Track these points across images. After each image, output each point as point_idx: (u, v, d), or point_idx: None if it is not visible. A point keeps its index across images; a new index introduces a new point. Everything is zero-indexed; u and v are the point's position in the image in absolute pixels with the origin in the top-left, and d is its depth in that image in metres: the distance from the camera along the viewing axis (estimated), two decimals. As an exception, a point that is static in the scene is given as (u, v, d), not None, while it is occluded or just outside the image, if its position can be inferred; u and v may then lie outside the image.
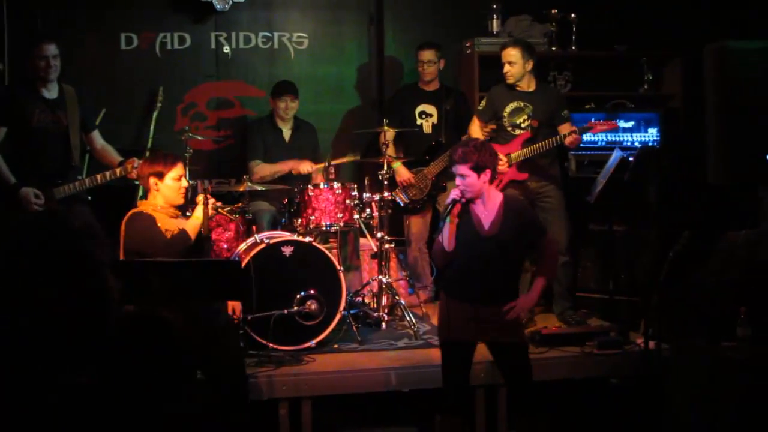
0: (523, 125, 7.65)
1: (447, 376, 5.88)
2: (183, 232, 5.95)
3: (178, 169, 6.05)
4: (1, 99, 7.14)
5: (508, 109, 7.71)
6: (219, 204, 6.70)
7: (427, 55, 8.46)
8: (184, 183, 6.10)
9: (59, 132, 7.06)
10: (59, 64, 7.06)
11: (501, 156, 7.51)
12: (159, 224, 5.93)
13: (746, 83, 6.23)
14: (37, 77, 7.00)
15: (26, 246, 2.63)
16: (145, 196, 6.41)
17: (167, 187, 6.01)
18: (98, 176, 7.09)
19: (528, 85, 7.72)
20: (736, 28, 7.87)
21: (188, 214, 6.33)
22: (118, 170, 7.05)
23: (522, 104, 7.67)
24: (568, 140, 7.43)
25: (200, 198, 6.23)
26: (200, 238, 6.17)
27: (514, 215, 5.73)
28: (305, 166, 8.06)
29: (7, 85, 8.14)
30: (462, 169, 5.62)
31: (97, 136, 7.39)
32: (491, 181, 5.72)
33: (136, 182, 8.01)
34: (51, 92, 7.08)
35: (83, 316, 2.66)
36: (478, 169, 5.62)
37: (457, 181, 5.67)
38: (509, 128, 7.70)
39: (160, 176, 5.99)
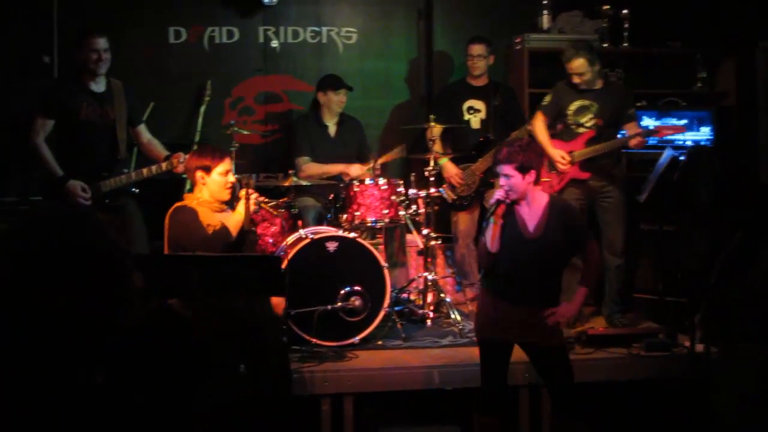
0: (587, 124, 7.56)
1: (485, 375, 5.82)
2: (224, 229, 5.94)
3: (225, 164, 6.03)
4: (49, 92, 7.11)
5: (572, 107, 7.62)
6: (262, 199, 6.63)
7: (477, 49, 8.38)
8: (231, 178, 6.08)
9: (106, 126, 7.06)
10: (109, 58, 7.07)
11: (563, 154, 7.45)
12: (201, 219, 5.92)
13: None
14: (86, 70, 7.00)
15: (37, 243, 2.59)
16: (192, 190, 6.41)
17: (214, 182, 6.00)
18: (144, 170, 7.10)
19: (595, 83, 7.62)
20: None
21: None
22: (164, 164, 7.05)
23: (587, 102, 7.58)
24: (632, 142, 7.35)
25: (243, 193, 6.21)
26: (242, 233, 6.17)
27: (559, 217, 5.63)
28: (355, 170, 7.99)
29: (56, 78, 8.16)
30: (507, 169, 5.54)
31: (143, 130, 7.40)
32: (536, 182, 5.63)
33: (183, 176, 8.04)
34: (99, 86, 7.08)
35: (97, 315, 2.63)
36: (522, 170, 5.53)
37: (502, 181, 5.58)
38: (573, 126, 7.62)
39: (208, 170, 5.98)
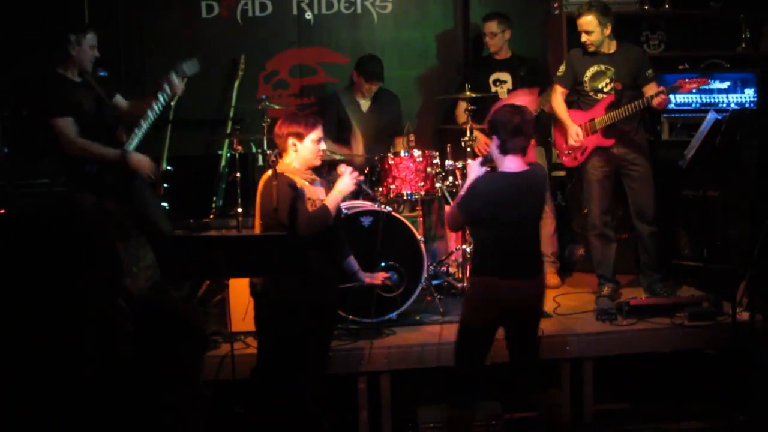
0: (605, 89, 7.40)
1: (469, 366, 5.77)
2: (324, 209, 5.79)
3: (318, 132, 5.88)
4: (50, 93, 6.76)
5: (588, 74, 7.46)
6: (361, 178, 6.35)
7: (491, 26, 8.32)
8: (323, 146, 5.96)
9: (93, 113, 6.82)
10: None
11: (578, 131, 7.32)
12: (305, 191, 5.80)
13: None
14: (77, 65, 6.78)
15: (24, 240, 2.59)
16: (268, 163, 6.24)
17: (306, 149, 5.84)
18: (149, 113, 6.83)
19: (608, 47, 7.44)
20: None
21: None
22: (161, 96, 6.83)
23: (603, 67, 7.41)
24: (655, 101, 7.15)
25: (342, 169, 6.05)
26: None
27: None
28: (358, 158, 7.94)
29: (44, 77, 7.01)
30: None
31: (120, 100, 7.08)
32: (501, 151, 5.56)
33: (219, 152, 8.02)
34: (75, 76, 6.85)
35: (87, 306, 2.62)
36: (490, 130, 5.65)
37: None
38: (591, 93, 7.46)
39: (300, 137, 5.85)
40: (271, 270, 5.42)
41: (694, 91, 7.75)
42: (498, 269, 5.55)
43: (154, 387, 2.80)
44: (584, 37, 7.40)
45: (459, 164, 7.58)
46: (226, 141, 8.39)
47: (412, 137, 7.72)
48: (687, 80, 7.17)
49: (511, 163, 5.54)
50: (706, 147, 7.38)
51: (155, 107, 6.83)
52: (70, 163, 6.70)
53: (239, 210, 7.52)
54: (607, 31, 7.36)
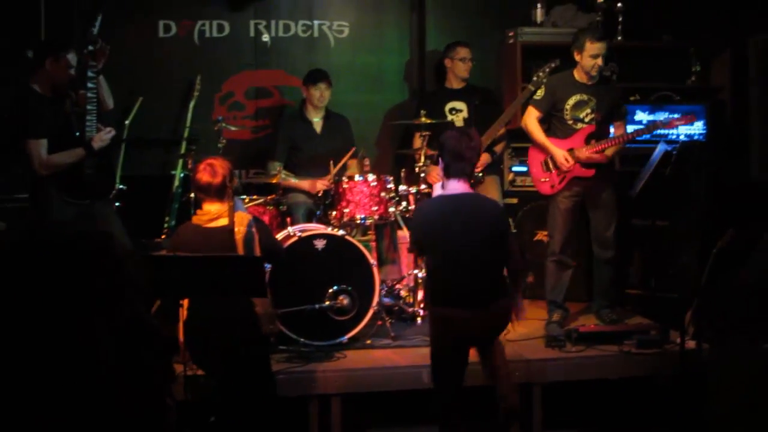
0: (586, 119, 7.43)
1: (444, 389, 5.80)
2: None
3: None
4: (29, 113, 6.78)
5: (571, 101, 7.46)
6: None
7: (464, 52, 8.39)
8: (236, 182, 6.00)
9: (69, 124, 6.87)
10: None
11: (566, 155, 7.35)
12: None
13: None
14: (53, 85, 6.83)
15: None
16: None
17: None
18: (89, 94, 6.81)
19: (595, 78, 7.46)
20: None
21: None
22: (89, 73, 6.82)
23: (586, 97, 7.43)
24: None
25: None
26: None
27: None
28: (321, 184, 7.86)
29: (19, 97, 7.02)
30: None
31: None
32: (446, 174, 5.64)
33: (173, 172, 8.02)
34: (48, 93, 6.86)
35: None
36: (439, 156, 5.70)
37: None
38: (570, 121, 7.47)
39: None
40: (227, 290, 5.42)
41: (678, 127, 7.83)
42: (446, 298, 5.58)
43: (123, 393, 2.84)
44: (595, 62, 7.33)
45: (413, 189, 7.62)
46: (180, 161, 8.35)
47: (366, 161, 7.75)
48: (675, 118, 7.30)
49: (455, 186, 5.59)
50: (656, 177, 7.47)
51: (89, 84, 6.80)
52: (36, 184, 6.75)
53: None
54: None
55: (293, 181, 7.97)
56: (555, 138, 7.50)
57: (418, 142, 7.92)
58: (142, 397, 2.91)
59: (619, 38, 8.99)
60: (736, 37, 8.53)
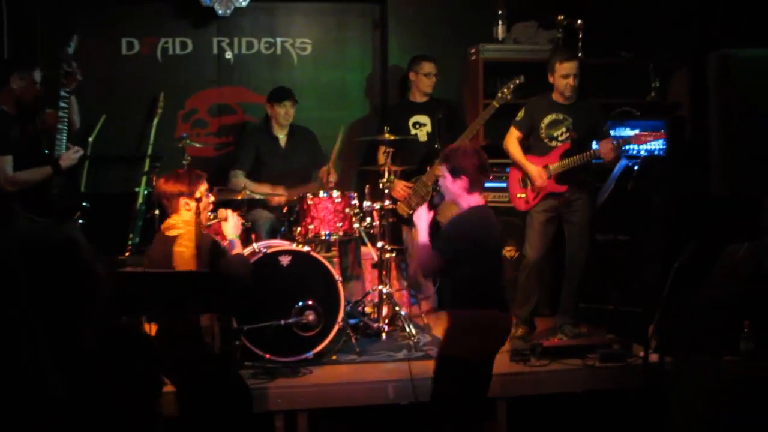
0: (561, 138, 7.53)
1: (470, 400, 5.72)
2: (240, 256, 5.80)
3: (205, 184, 5.90)
4: (3, 126, 6.82)
5: (546, 120, 7.57)
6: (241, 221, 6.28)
7: (430, 67, 8.49)
8: (212, 198, 5.96)
9: (38, 138, 6.92)
10: None
11: (541, 173, 7.43)
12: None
13: (749, 92, 6.16)
14: (19, 101, 6.83)
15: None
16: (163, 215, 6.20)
17: (204, 206, 5.85)
18: (60, 113, 6.86)
19: (572, 98, 7.58)
20: (742, 36, 7.79)
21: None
22: (62, 92, 6.87)
23: (561, 116, 7.54)
24: (602, 149, 7.33)
25: (223, 213, 6.04)
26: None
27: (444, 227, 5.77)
28: (278, 197, 7.98)
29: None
30: (442, 168, 5.64)
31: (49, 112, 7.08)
32: (469, 190, 5.61)
33: (137, 189, 8.01)
34: (13, 110, 6.87)
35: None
36: (454, 173, 5.58)
37: (440, 182, 5.68)
38: (546, 140, 7.58)
39: (190, 195, 5.82)
40: (193, 307, 5.42)
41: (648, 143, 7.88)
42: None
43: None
44: (567, 82, 7.46)
45: (377, 205, 7.65)
46: (144, 178, 8.34)
47: (331, 177, 7.79)
48: (643, 133, 7.37)
49: (478, 198, 5.66)
50: (617, 192, 7.56)
51: (61, 104, 6.84)
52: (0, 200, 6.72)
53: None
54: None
55: (253, 186, 8.01)
56: (532, 156, 7.62)
57: (382, 158, 7.96)
58: (133, 406, 2.92)
59: (580, 54, 9.04)
60: (694, 53, 8.63)
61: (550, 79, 7.56)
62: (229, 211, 5.93)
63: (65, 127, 6.84)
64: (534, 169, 7.52)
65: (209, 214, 6.07)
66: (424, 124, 8.51)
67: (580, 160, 7.39)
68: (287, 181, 8.09)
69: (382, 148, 7.91)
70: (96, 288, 2.83)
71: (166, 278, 5.53)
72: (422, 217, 5.69)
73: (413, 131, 8.47)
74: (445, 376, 5.63)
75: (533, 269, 7.58)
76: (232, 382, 5.92)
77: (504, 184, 8.00)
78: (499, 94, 7.80)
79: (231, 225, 5.87)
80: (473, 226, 5.64)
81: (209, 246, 5.72)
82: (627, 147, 7.62)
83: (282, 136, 8.32)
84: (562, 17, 9.06)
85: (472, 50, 9.03)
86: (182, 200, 5.76)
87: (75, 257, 2.81)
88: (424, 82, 8.49)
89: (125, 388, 2.87)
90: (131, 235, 8.28)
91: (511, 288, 7.62)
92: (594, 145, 7.54)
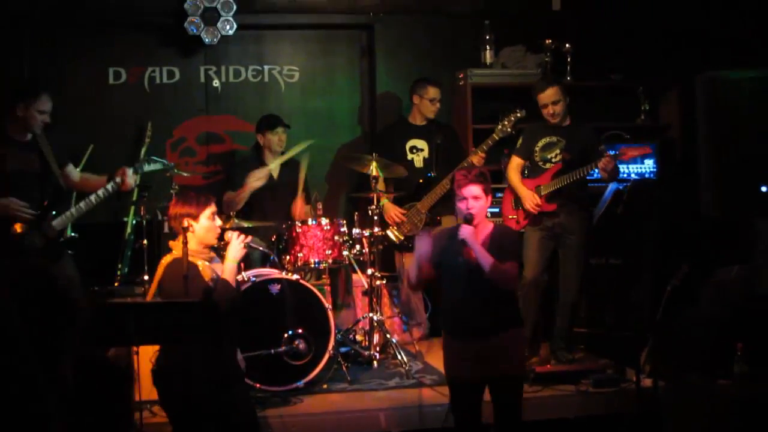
0: (554, 159, 7.51)
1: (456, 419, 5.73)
2: (224, 283, 5.71)
3: (211, 208, 5.83)
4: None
5: (540, 144, 7.58)
6: (249, 239, 6.24)
7: (435, 92, 8.43)
8: (219, 222, 5.90)
9: (32, 174, 6.87)
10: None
11: (535, 199, 7.41)
12: (202, 274, 5.72)
13: (738, 113, 6.14)
14: (23, 127, 6.83)
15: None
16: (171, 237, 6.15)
17: (202, 228, 5.79)
18: (92, 197, 6.89)
19: (564, 120, 7.57)
20: (730, 58, 7.80)
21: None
22: (109, 185, 6.91)
23: (555, 139, 7.54)
24: (600, 164, 7.24)
25: (229, 235, 5.95)
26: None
27: (498, 240, 5.62)
28: (259, 174, 7.97)
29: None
30: (477, 189, 5.58)
31: (72, 170, 7.20)
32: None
33: (125, 219, 7.98)
34: (22, 135, 6.88)
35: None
36: (487, 192, 5.61)
37: (469, 203, 5.57)
38: (540, 162, 7.58)
39: (195, 217, 5.78)
40: (183, 338, 5.37)
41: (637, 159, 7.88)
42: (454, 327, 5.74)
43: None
44: (550, 109, 7.46)
45: (366, 232, 7.62)
46: (132, 208, 8.29)
47: (319, 205, 7.76)
48: (629, 147, 7.37)
49: None
50: (608, 216, 7.53)
51: (100, 194, 6.91)
52: None
53: (145, 277, 7.42)
54: (567, 102, 7.50)
55: (238, 192, 8.02)
56: (528, 178, 7.65)
57: (380, 184, 7.93)
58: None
59: (568, 78, 9.05)
60: (683, 75, 8.61)
61: (539, 108, 7.57)
62: (234, 234, 5.87)
63: (84, 208, 6.91)
64: (526, 192, 7.51)
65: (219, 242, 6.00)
66: (422, 150, 8.45)
67: (571, 177, 7.34)
68: (276, 213, 8.01)
69: (371, 172, 7.81)
70: (73, 317, 2.81)
71: (152, 308, 5.49)
72: (468, 234, 5.56)
73: (410, 156, 8.42)
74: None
75: (531, 288, 7.47)
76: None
77: (498, 209, 7.98)
78: (500, 127, 7.80)
79: (232, 248, 5.81)
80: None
81: (196, 273, 5.67)
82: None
83: (274, 167, 8.22)
84: (550, 41, 9.07)
85: (460, 75, 9.01)
86: (185, 221, 5.71)
87: (49, 286, 2.79)
88: (427, 107, 8.43)
89: (96, 418, 2.86)
90: (120, 265, 8.23)
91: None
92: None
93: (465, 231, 5.50)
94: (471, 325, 5.56)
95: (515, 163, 7.74)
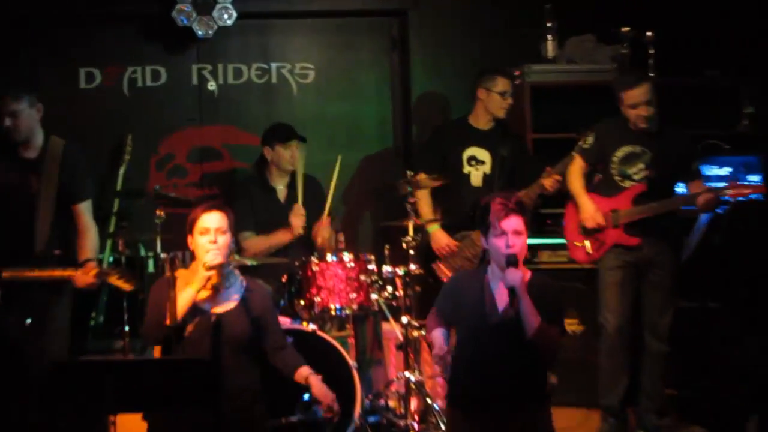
0: (636, 176, 7.35)
1: None
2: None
3: (206, 219, 5.75)
4: None
5: (619, 153, 7.40)
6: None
7: (505, 84, 8.26)
8: (223, 239, 5.80)
9: (24, 193, 6.88)
10: (27, 125, 6.92)
11: (597, 214, 7.27)
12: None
13: None
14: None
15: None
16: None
17: (196, 244, 5.73)
18: (50, 271, 6.77)
19: (653, 126, 7.38)
20: None
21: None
22: (68, 271, 6.79)
23: (639, 149, 7.36)
24: (700, 200, 7.12)
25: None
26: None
27: (536, 296, 5.43)
28: (296, 221, 7.82)
29: None
30: (519, 222, 5.44)
31: (83, 211, 7.13)
32: None
33: (100, 257, 7.89)
34: (29, 151, 6.92)
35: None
36: (528, 227, 5.51)
37: (510, 240, 5.41)
38: (617, 177, 7.41)
39: (191, 230, 5.72)
40: (175, 401, 5.27)
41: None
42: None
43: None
44: (641, 110, 7.29)
45: (400, 270, 7.47)
46: (109, 242, 8.27)
47: (341, 237, 7.64)
48: (739, 185, 7.16)
49: None
50: (704, 247, 7.38)
51: (59, 274, 6.80)
52: None
53: (126, 329, 7.34)
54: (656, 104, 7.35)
55: (272, 240, 7.93)
56: (599, 195, 7.46)
57: (426, 210, 7.91)
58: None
59: (651, 74, 8.91)
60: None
61: (622, 109, 7.39)
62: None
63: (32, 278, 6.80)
64: (589, 205, 7.37)
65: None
66: (483, 162, 8.30)
67: (660, 208, 7.18)
68: (291, 248, 7.90)
69: (423, 197, 7.76)
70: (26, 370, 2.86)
71: (135, 366, 5.40)
72: (518, 281, 5.39)
73: (466, 169, 8.28)
74: None
75: (617, 341, 7.36)
76: None
77: (559, 240, 7.82)
78: (581, 143, 7.61)
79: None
80: None
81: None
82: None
83: (281, 188, 8.13)
84: (628, 29, 8.93)
85: (517, 73, 8.87)
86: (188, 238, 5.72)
87: None
88: (496, 102, 8.26)
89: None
90: (94, 314, 8.16)
91: (580, 371, 7.47)
92: (680, 189, 7.34)
93: (514, 276, 5.33)
94: (498, 395, 5.45)
95: (579, 165, 7.58)
